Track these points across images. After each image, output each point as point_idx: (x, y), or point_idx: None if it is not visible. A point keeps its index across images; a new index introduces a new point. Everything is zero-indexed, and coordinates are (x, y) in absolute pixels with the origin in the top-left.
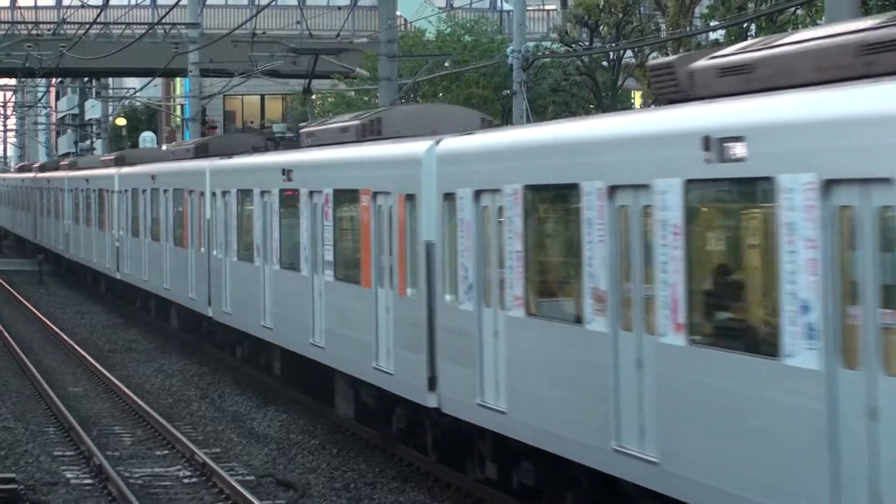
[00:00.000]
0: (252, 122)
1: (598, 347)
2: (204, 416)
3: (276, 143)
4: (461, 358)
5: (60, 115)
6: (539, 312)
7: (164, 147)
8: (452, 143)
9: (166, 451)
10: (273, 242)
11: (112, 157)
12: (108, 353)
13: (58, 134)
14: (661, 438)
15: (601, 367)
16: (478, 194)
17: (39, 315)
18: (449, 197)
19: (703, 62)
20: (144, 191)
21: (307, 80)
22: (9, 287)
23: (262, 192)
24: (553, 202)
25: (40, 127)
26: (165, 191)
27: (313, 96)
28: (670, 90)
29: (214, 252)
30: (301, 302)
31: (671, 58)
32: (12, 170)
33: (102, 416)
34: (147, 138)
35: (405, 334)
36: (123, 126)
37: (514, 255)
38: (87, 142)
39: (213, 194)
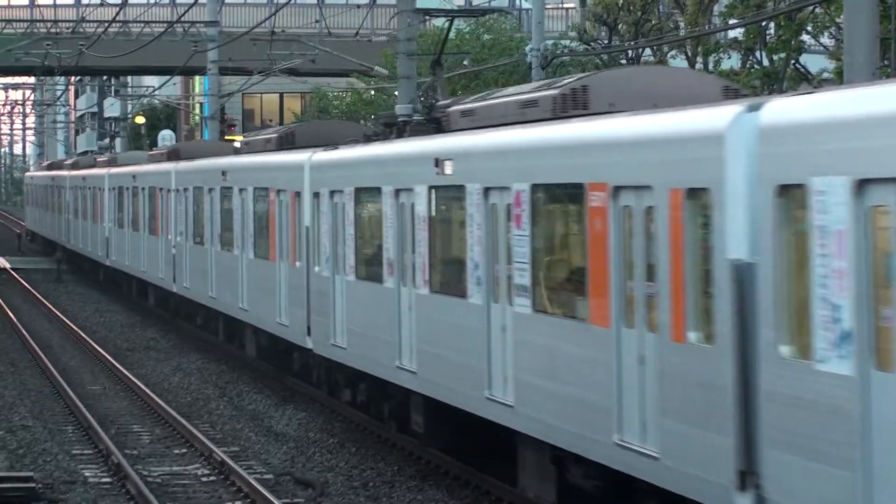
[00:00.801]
0: (271, 121)
1: None
2: (222, 415)
3: (401, 129)
4: (809, 449)
5: (79, 114)
6: None
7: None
8: (795, 108)
9: (185, 450)
10: (418, 258)
11: (165, 151)
12: (127, 351)
13: (77, 132)
14: None
15: None
16: (862, 186)
17: (58, 313)
18: (787, 191)
19: None
20: (212, 189)
21: (437, 52)
22: (28, 286)
23: (397, 191)
24: None
25: (59, 125)
26: (242, 190)
27: (330, 95)
28: None
29: (317, 268)
30: (469, 339)
31: None
32: (32, 167)
33: (121, 414)
34: (166, 136)
35: (676, 397)
36: (142, 124)
37: None
38: (107, 140)
39: (316, 194)
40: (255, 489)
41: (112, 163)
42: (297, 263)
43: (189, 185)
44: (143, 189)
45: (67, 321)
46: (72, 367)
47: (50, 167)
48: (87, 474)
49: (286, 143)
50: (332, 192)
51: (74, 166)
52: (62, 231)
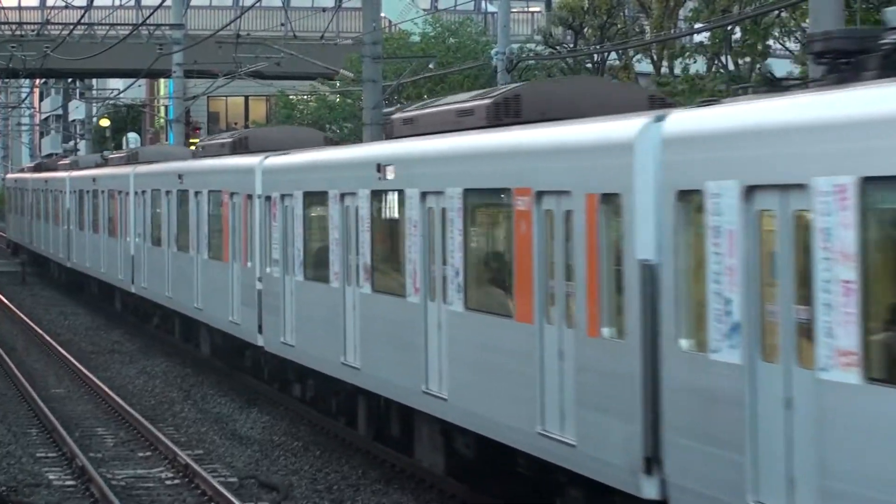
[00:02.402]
0: (236, 124)
1: None
2: (187, 418)
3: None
4: None
5: (44, 116)
6: None
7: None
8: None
9: (149, 453)
10: None
11: (228, 142)
12: (92, 354)
13: (41, 135)
14: None
15: None
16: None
17: (22, 316)
18: None
19: None
20: (349, 195)
21: None
22: None
23: None
24: None
25: (24, 128)
26: (426, 195)
27: (292, 98)
28: None
29: (687, 343)
30: None
31: None
32: (9, 169)
33: (85, 417)
34: (132, 139)
35: None
36: (107, 127)
37: None
38: (71, 143)
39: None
40: (220, 492)
41: (133, 159)
42: (600, 330)
43: (293, 191)
44: (199, 194)
45: (32, 324)
46: (36, 370)
47: (38, 168)
48: (50, 477)
49: (507, 113)
50: (749, 190)
51: (75, 166)
52: (59, 245)
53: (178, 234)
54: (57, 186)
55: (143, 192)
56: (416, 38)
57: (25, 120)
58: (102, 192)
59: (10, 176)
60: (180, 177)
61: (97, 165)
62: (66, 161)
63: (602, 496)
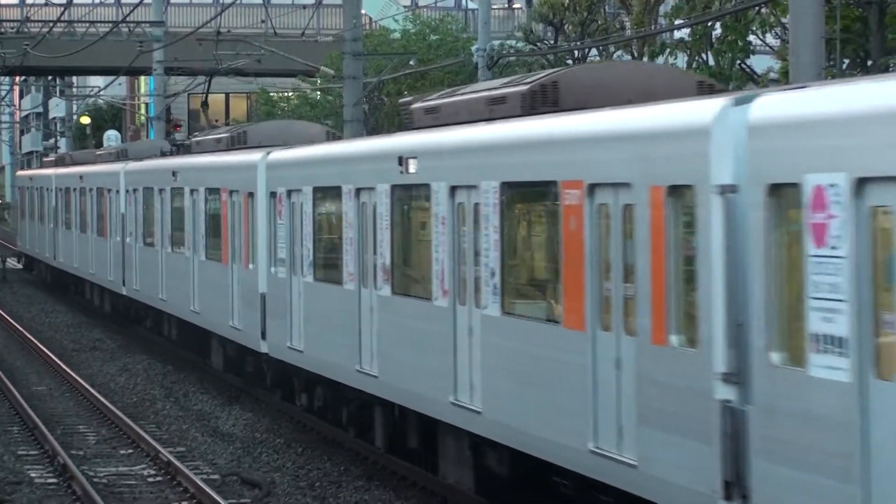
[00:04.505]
0: (217, 121)
1: None
2: (168, 415)
3: None
4: None
5: (24, 114)
6: None
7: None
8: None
9: (131, 450)
10: None
11: (430, 102)
12: (73, 351)
13: (21, 133)
14: None
15: None
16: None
17: (3, 314)
18: None
19: None
20: None
21: None
22: None
23: None
24: None
25: (4, 126)
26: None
27: (275, 97)
28: None
29: None
30: None
31: None
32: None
33: (67, 415)
34: (111, 136)
35: None
36: (88, 125)
37: None
38: (52, 140)
39: None
40: (202, 489)
41: (239, 141)
42: None
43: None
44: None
45: (12, 321)
46: (17, 368)
47: (61, 161)
48: (32, 475)
49: None
50: None
51: (124, 155)
52: (107, 265)
53: (400, 258)
54: (102, 183)
55: (290, 191)
56: (397, 35)
57: (5, 118)
58: (194, 191)
59: (22, 173)
60: (399, 163)
61: (164, 154)
62: (111, 150)
63: None
